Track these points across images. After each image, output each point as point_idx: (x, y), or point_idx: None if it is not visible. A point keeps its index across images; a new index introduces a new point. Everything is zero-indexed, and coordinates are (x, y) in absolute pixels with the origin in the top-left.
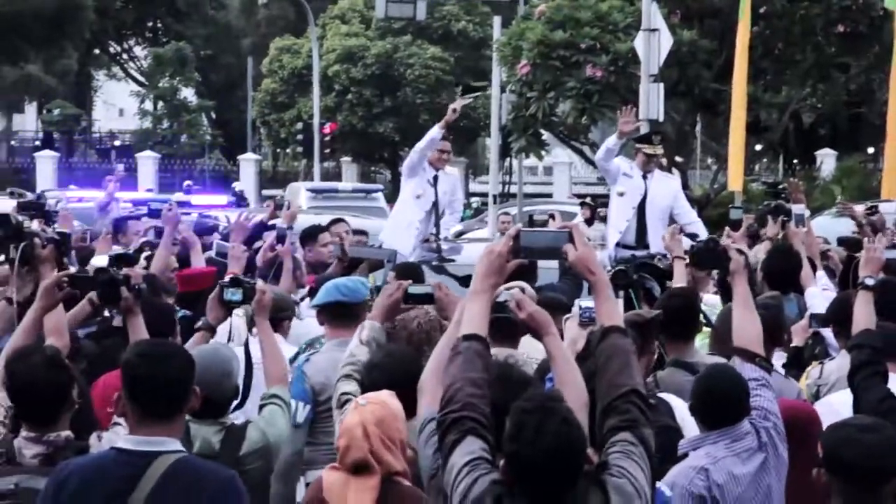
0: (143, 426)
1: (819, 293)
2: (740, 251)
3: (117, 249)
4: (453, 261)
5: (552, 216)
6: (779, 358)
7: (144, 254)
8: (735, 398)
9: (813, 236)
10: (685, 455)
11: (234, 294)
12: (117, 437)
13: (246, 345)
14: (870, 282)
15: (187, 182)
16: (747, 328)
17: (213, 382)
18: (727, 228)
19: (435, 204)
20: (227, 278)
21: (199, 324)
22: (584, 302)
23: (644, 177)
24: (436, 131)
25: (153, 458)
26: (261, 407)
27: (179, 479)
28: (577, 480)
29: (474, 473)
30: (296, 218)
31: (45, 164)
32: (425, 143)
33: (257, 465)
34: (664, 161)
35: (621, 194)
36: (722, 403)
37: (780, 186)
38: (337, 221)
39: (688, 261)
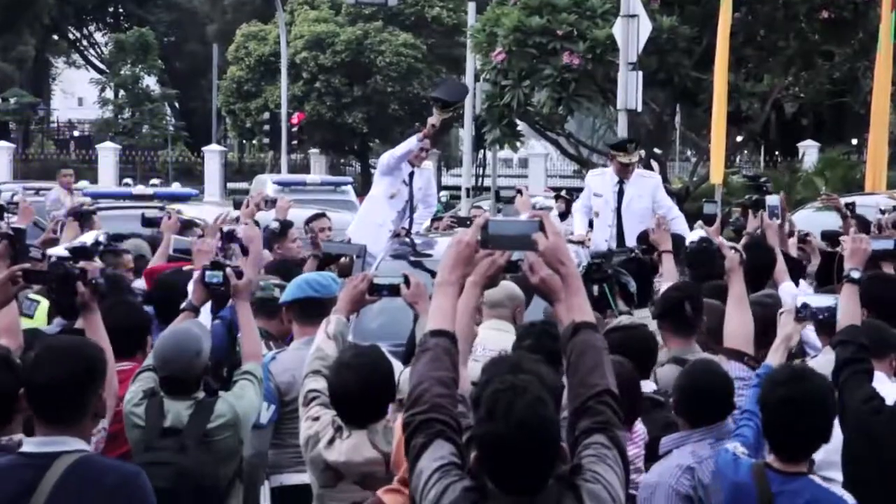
0: (44, 427)
1: (793, 287)
2: (735, 248)
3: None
4: (430, 255)
5: (520, 191)
6: None
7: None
8: (719, 394)
9: (784, 230)
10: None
11: (214, 277)
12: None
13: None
14: (856, 275)
15: (126, 180)
16: (740, 328)
17: (184, 363)
18: (699, 222)
19: (408, 201)
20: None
21: (184, 305)
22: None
23: (620, 181)
24: (413, 143)
25: (54, 458)
26: (233, 382)
27: (80, 477)
28: (551, 464)
29: (445, 480)
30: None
31: (1, 156)
32: (402, 153)
33: (224, 436)
34: (642, 153)
35: (597, 214)
36: (706, 399)
37: (762, 180)
38: (318, 217)
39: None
